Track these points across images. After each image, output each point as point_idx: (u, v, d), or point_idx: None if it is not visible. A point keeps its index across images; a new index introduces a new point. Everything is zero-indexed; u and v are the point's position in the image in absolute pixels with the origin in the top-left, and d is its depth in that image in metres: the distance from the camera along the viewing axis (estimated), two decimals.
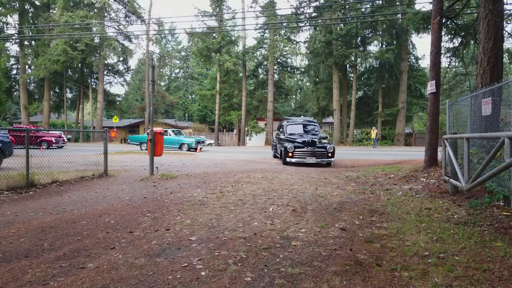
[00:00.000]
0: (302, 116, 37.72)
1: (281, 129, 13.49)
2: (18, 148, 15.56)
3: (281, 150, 12.07)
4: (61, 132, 23.03)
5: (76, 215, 4.55)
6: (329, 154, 10.89)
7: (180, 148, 19.69)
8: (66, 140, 21.81)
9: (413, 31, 16.40)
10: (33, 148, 17.03)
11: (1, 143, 8.64)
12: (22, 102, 33.71)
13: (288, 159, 11.08)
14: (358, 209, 4.85)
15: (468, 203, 4.90)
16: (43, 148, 18.24)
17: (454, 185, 5.51)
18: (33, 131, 18.99)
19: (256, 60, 33.05)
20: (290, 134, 12.23)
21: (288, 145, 11.12)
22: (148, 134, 8.48)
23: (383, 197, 5.80)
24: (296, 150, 11.02)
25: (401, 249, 3.17)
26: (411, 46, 29.36)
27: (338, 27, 27.56)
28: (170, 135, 20.20)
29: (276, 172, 9.24)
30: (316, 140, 11.13)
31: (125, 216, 4.48)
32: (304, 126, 12.86)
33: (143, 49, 68.07)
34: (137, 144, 20.89)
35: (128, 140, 22.23)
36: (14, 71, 36.22)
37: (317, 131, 12.61)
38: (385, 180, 7.86)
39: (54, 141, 19.96)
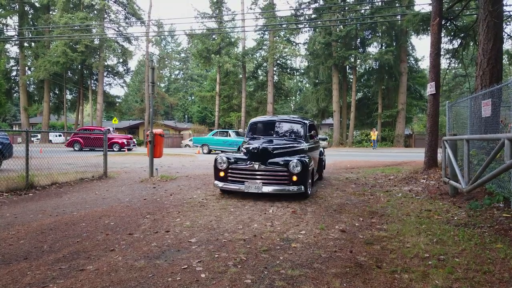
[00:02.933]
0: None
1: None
2: (86, 150, 15.01)
3: None
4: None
5: (76, 216, 4.54)
6: (294, 178, 5.41)
7: (239, 150, 18.50)
8: (135, 143, 21.53)
9: (413, 33, 16.40)
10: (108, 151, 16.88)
11: (0, 145, 8.62)
12: (22, 103, 33.74)
13: (220, 184, 5.80)
14: (358, 211, 4.85)
15: (468, 204, 4.90)
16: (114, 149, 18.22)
17: (454, 187, 5.51)
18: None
19: (256, 62, 33.07)
20: (252, 139, 6.82)
21: (220, 158, 5.89)
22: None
23: (383, 198, 5.79)
24: (233, 167, 5.79)
25: (401, 251, 3.17)
26: (410, 47, 29.42)
27: (337, 29, 27.61)
28: (230, 136, 19.09)
29: None
30: (275, 148, 5.80)
31: (124, 218, 4.47)
32: (278, 125, 7.06)
33: (142, 51, 68.29)
34: (201, 146, 20.06)
35: (192, 142, 21.39)
36: (14, 73, 36.27)
37: (300, 135, 6.77)
38: (385, 181, 7.86)
39: (126, 143, 19.80)
